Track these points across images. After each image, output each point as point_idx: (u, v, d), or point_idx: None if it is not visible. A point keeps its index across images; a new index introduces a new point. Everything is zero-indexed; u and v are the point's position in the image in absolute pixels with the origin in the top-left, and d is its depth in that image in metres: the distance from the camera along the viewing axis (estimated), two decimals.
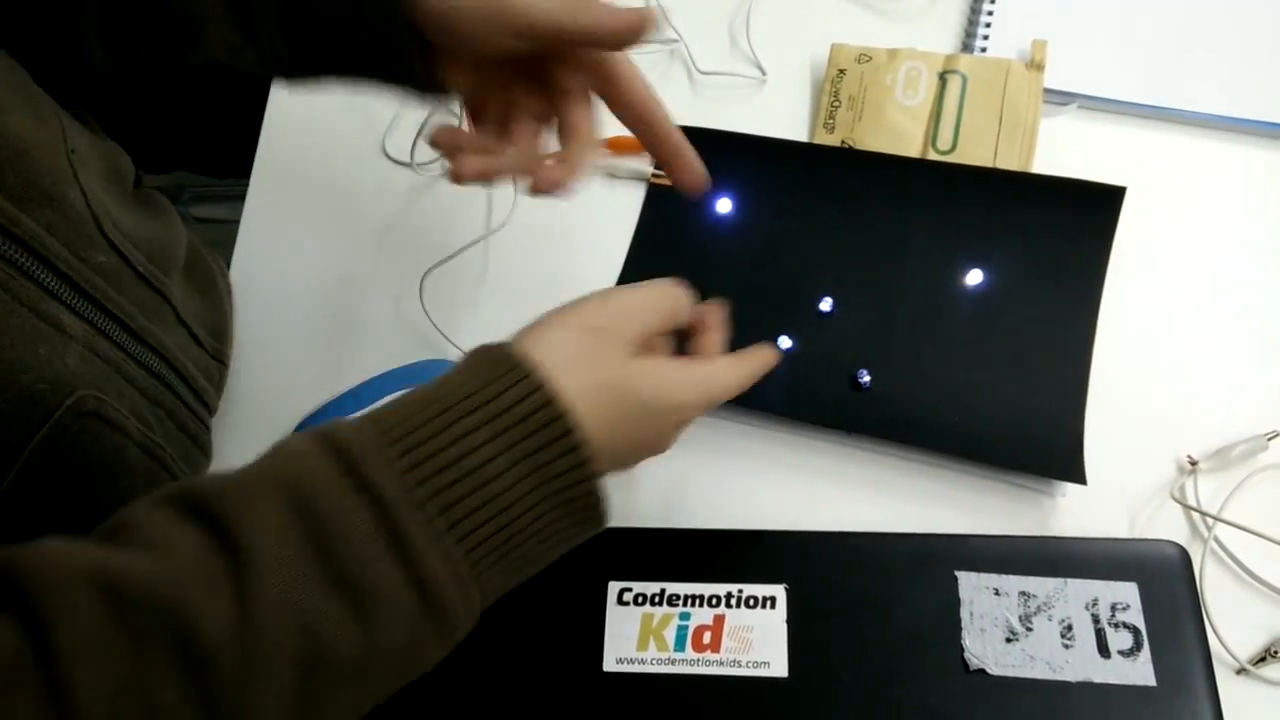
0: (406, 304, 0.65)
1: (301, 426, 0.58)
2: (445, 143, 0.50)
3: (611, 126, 0.69)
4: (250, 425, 0.62)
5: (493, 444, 0.38)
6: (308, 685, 0.35)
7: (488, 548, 0.38)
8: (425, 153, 0.70)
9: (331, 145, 0.72)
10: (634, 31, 0.47)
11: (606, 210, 0.68)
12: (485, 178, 0.50)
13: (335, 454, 0.37)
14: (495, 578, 0.39)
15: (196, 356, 0.58)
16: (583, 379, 0.41)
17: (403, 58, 0.47)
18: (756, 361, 0.50)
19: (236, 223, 0.70)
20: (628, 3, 0.52)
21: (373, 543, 0.36)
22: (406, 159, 0.70)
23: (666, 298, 0.47)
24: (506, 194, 0.68)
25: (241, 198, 0.71)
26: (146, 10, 0.48)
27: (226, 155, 0.84)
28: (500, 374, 0.40)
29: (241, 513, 0.35)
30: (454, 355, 0.62)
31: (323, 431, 0.38)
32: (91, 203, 0.48)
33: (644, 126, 0.52)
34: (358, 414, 0.40)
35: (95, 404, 0.46)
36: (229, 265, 0.68)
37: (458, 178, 0.49)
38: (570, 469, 0.39)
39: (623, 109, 0.52)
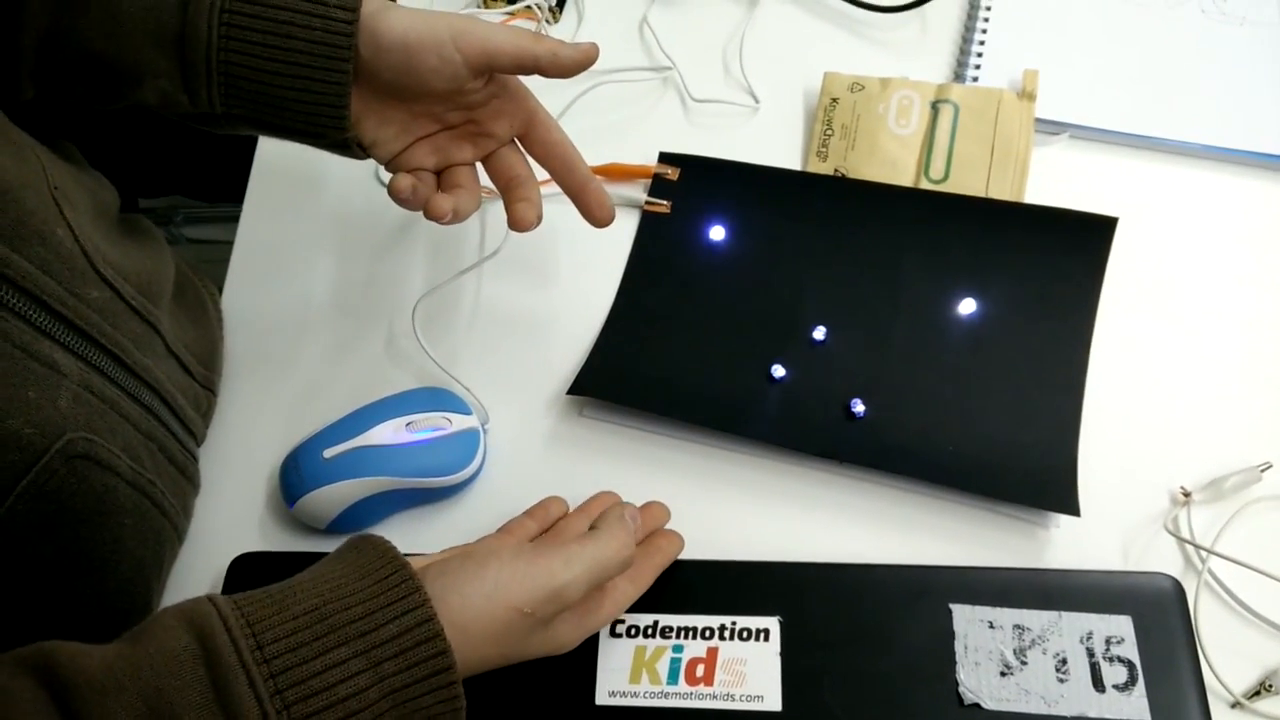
0: (399, 330, 0.65)
1: (291, 456, 0.58)
2: (405, 189, 0.53)
3: (605, 155, 0.69)
4: (240, 452, 0.61)
5: (370, 679, 0.39)
6: None
7: None
8: None
9: (324, 171, 0.72)
10: (586, 58, 0.53)
11: (600, 237, 0.67)
12: (459, 215, 0.54)
13: (206, 662, 0.37)
14: None
15: (185, 386, 0.58)
16: (487, 651, 0.44)
17: (345, 145, 0.52)
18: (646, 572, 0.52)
19: (230, 243, 0.70)
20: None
21: None
22: None
23: (611, 567, 0.47)
24: (500, 221, 0.68)
25: (234, 219, 0.71)
26: (84, 59, 0.49)
27: (220, 179, 0.84)
28: (398, 608, 0.41)
29: (97, 710, 0.36)
30: (446, 382, 0.61)
31: (201, 627, 0.38)
32: (80, 238, 0.48)
33: (562, 166, 0.57)
34: (248, 597, 0.40)
35: (85, 445, 0.45)
36: (221, 288, 0.68)
37: (437, 217, 0.53)
38: (439, 703, 0.41)
39: (542, 150, 0.57)
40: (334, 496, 0.56)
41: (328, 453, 0.56)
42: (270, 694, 0.37)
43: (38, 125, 0.52)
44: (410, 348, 0.63)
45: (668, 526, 0.56)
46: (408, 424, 0.57)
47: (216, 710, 0.37)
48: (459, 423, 0.58)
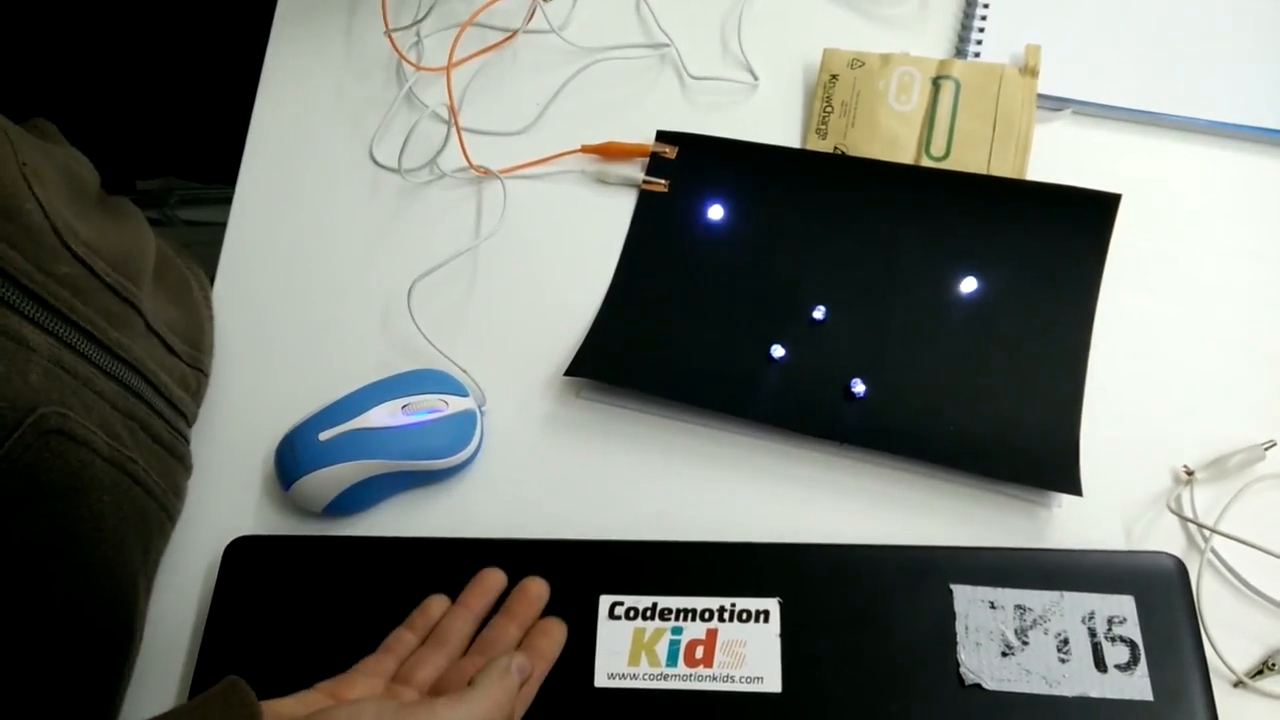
0: (394, 312, 0.64)
1: (287, 438, 0.58)
2: None
3: (602, 133, 0.68)
4: (234, 435, 0.61)
5: None
6: None
7: None
8: (413, 159, 0.69)
9: (318, 151, 0.71)
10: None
11: (597, 217, 0.67)
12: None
13: None
14: None
15: (170, 365, 0.57)
16: None
17: None
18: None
19: (224, 225, 0.69)
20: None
21: None
22: (394, 165, 0.69)
23: None
24: (497, 201, 0.68)
25: (229, 200, 0.70)
26: None
27: (214, 160, 0.83)
28: None
29: None
30: (443, 364, 0.61)
31: None
32: (50, 214, 0.48)
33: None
34: None
35: (59, 421, 0.45)
36: (215, 270, 0.67)
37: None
38: None
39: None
40: (330, 479, 0.55)
41: (323, 435, 0.56)
42: None
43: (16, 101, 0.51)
44: (406, 329, 0.63)
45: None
46: (404, 406, 0.57)
47: None
48: (456, 404, 0.58)
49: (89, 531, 0.49)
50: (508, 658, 0.46)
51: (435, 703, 0.43)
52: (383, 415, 0.56)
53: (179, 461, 0.57)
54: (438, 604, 0.52)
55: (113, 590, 0.52)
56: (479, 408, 0.59)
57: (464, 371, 0.60)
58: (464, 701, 0.44)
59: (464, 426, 0.58)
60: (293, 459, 0.56)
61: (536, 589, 0.52)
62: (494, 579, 0.53)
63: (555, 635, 0.51)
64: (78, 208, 0.52)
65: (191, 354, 0.60)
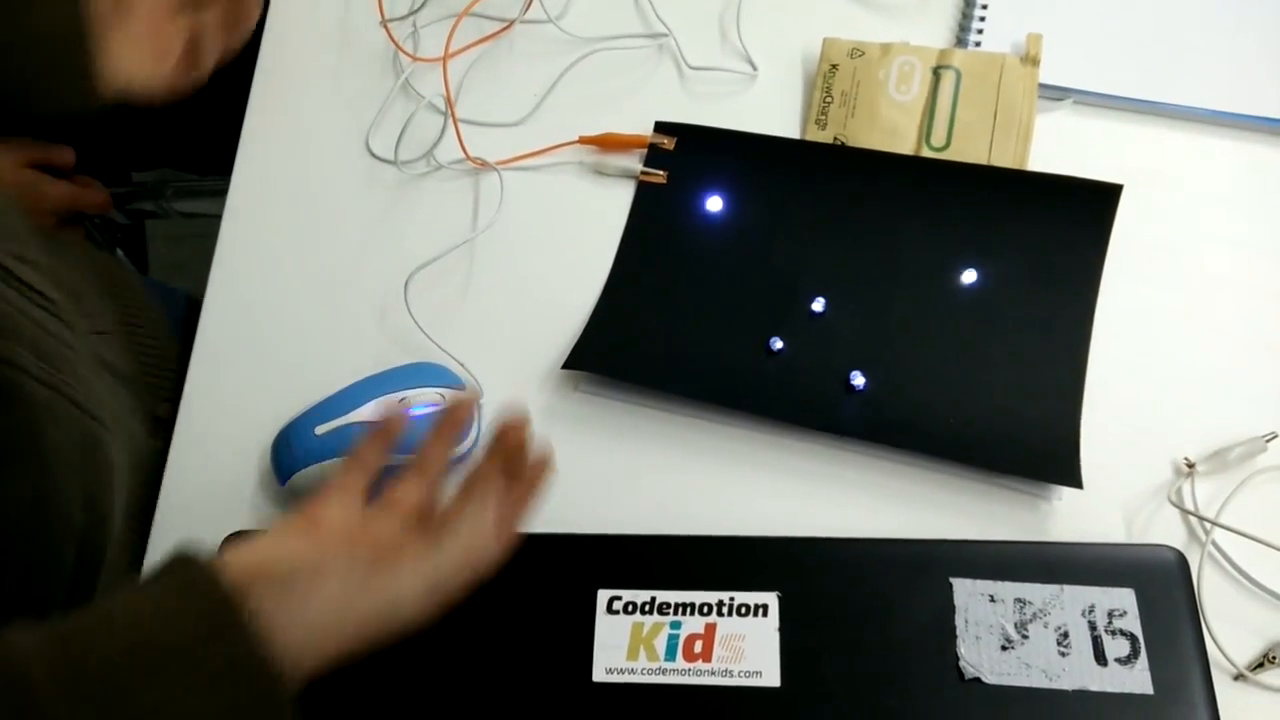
0: (391, 305, 0.64)
1: (283, 433, 0.57)
2: None
3: (600, 124, 0.68)
4: (229, 429, 0.60)
5: (192, 699, 0.37)
6: None
7: None
8: (410, 151, 0.69)
9: (314, 143, 0.71)
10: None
11: (595, 209, 0.67)
12: None
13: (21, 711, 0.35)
14: None
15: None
16: (319, 664, 0.41)
17: None
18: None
19: (219, 217, 0.69)
20: None
21: None
22: (391, 157, 0.69)
23: (462, 576, 0.45)
24: (494, 193, 0.67)
25: (224, 193, 0.70)
26: None
27: (209, 152, 0.83)
28: (217, 623, 0.38)
29: None
30: (439, 358, 0.61)
31: (22, 678, 0.36)
32: None
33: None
34: (70, 630, 0.38)
35: None
36: (210, 264, 0.67)
37: None
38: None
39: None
40: (326, 473, 0.55)
41: (319, 429, 0.56)
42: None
43: None
44: (403, 323, 0.62)
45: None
46: (401, 400, 0.56)
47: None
48: (453, 399, 0.57)
49: (29, 447, 0.48)
50: (481, 508, 0.46)
51: (402, 557, 0.44)
52: (380, 409, 0.56)
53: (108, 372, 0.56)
54: (398, 422, 0.51)
55: (67, 519, 0.50)
56: (476, 401, 0.59)
57: (461, 365, 0.60)
58: (433, 552, 0.44)
59: None
60: (289, 453, 0.56)
61: (515, 435, 0.48)
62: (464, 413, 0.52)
63: (536, 476, 0.48)
64: None
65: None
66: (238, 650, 0.38)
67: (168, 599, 0.39)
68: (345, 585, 0.42)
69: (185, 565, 0.40)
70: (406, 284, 0.62)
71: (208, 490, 0.59)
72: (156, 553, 0.57)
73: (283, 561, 0.42)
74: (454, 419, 0.51)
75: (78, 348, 0.54)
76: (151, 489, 0.59)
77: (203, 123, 0.84)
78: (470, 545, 0.46)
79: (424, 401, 0.57)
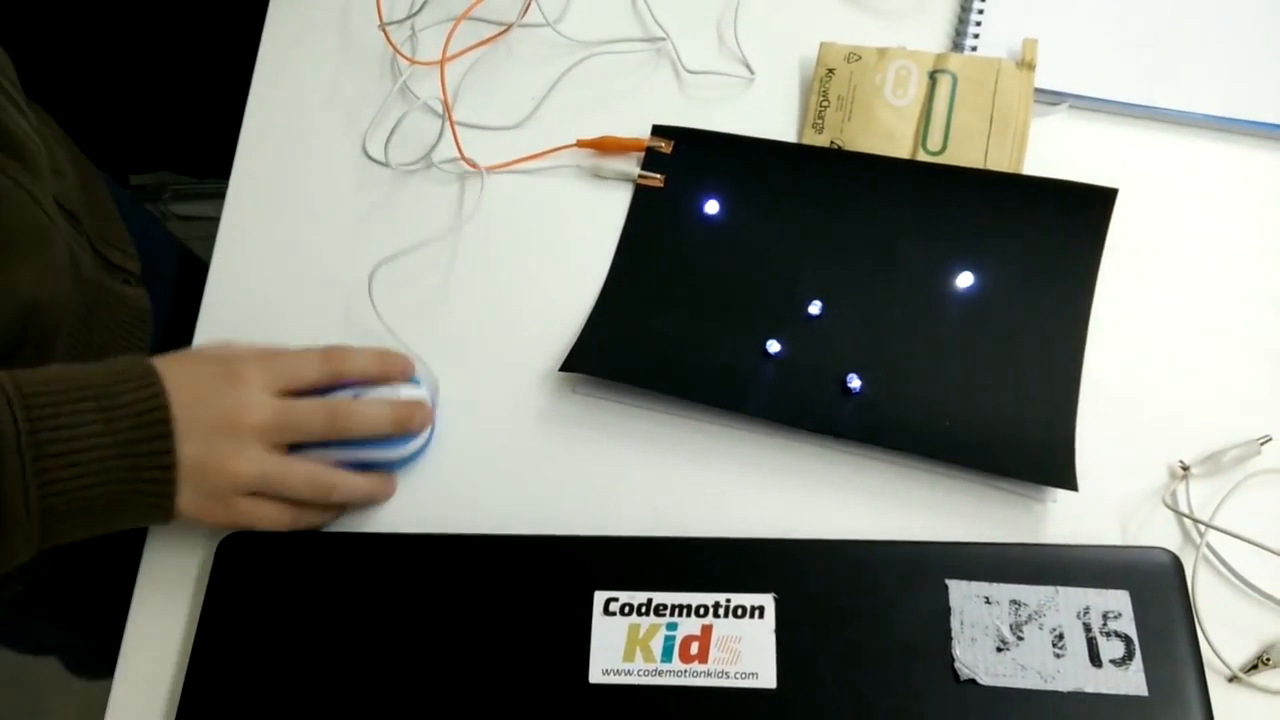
0: (387, 305, 0.64)
1: None
2: None
3: (597, 127, 0.68)
4: None
5: (105, 435, 0.48)
6: None
7: (61, 502, 0.48)
8: (407, 154, 0.69)
9: (312, 146, 0.71)
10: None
11: (592, 212, 0.67)
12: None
13: None
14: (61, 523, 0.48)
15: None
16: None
17: None
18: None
19: (218, 220, 0.69)
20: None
21: None
22: (388, 160, 0.69)
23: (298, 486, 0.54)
24: (490, 196, 0.67)
25: (223, 195, 0.70)
26: None
27: (207, 155, 0.83)
28: (134, 376, 0.50)
29: None
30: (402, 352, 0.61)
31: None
32: None
33: None
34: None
35: None
36: (209, 262, 0.67)
37: None
38: (157, 469, 0.50)
39: None
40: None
41: None
42: (28, 436, 0.46)
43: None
44: (394, 319, 0.62)
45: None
46: (354, 396, 0.56)
47: None
48: (405, 392, 0.57)
49: None
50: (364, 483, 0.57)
51: (246, 450, 0.53)
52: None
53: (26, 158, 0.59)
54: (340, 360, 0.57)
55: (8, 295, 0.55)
56: (431, 397, 0.58)
57: (420, 359, 0.59)
58: (266, 467, 0.53)
59: None
60: None
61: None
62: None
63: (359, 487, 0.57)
64: None
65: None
66: (143, 397, 0.49)
67: (103, 370, 0.50)
68: (203, 448, 0.51)
69: (127, 360, 0.51)
70: (371, 277, 0.62)
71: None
72: (152, 560, 0.57)
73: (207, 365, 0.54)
74: (392, 364, 0.57)
75: (43, 164, 0.58)
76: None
77: (201, 126, 0.84)
78: (350, 489, 0.56)
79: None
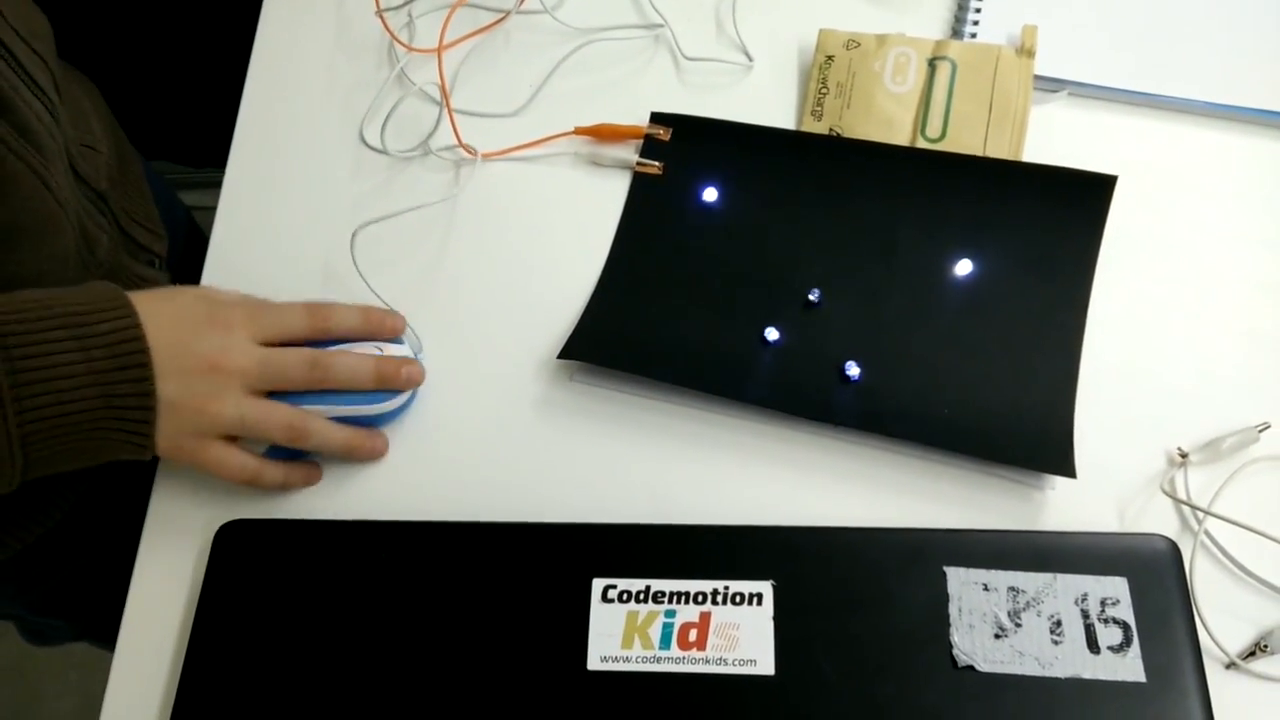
0: (384, 292, 0.63)
1: None
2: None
3: (596, 115, 0.68)
4: None
5: (81, 363, 0.48)
6: None
7: (40, 429, 0.48)
8: (405, 141, 0.69)
9: (309, 133, 0.70)
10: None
11: (591, 200, 0.67)
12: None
13: None
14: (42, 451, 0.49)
15: (30, 55, 0.58)
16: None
17: None
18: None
19: (214, 209, 0.69)
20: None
21: None
22: (385, 147, 0.69)
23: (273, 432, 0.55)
24: (488, 183, 0.67)
25: (219, 185, 0.70)
26: None
27: (204, 144, 0.82)
28: (108, 306, 0.50)
29: None
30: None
31: None
32: None
33: None
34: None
35: None
36: (206, 249, 0.67)
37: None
38: (135, 400, 0.50)
39: None
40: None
41: None
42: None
43: None
44: (357, 282, 0.62)
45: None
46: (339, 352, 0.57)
47: None
48: (390, 351, 0.58)
49: None
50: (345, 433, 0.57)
51: (229, 389, 0.53)
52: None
53: (88, 219, 0.60)
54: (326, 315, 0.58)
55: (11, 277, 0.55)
56: (415, 354, 0.59)
57: (406, 322, 0.60)
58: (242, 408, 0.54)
59: None
60: None
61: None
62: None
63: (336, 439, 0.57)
64: None
65: (78, 135, 0.62)
66: (119, 327, 0.49)
67: (78, 295, 0.50)
68: (182, 390, 0.52)
69: (101, 287, 0.51)
70: (353, 237, 0.62)
71: (194, 479, 0.59)
72: (150, 544, 0.57)
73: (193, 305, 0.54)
74: (377, 321, 0.58)
75: (58, 144, 0.58)
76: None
77: (197, 115, 0.84)
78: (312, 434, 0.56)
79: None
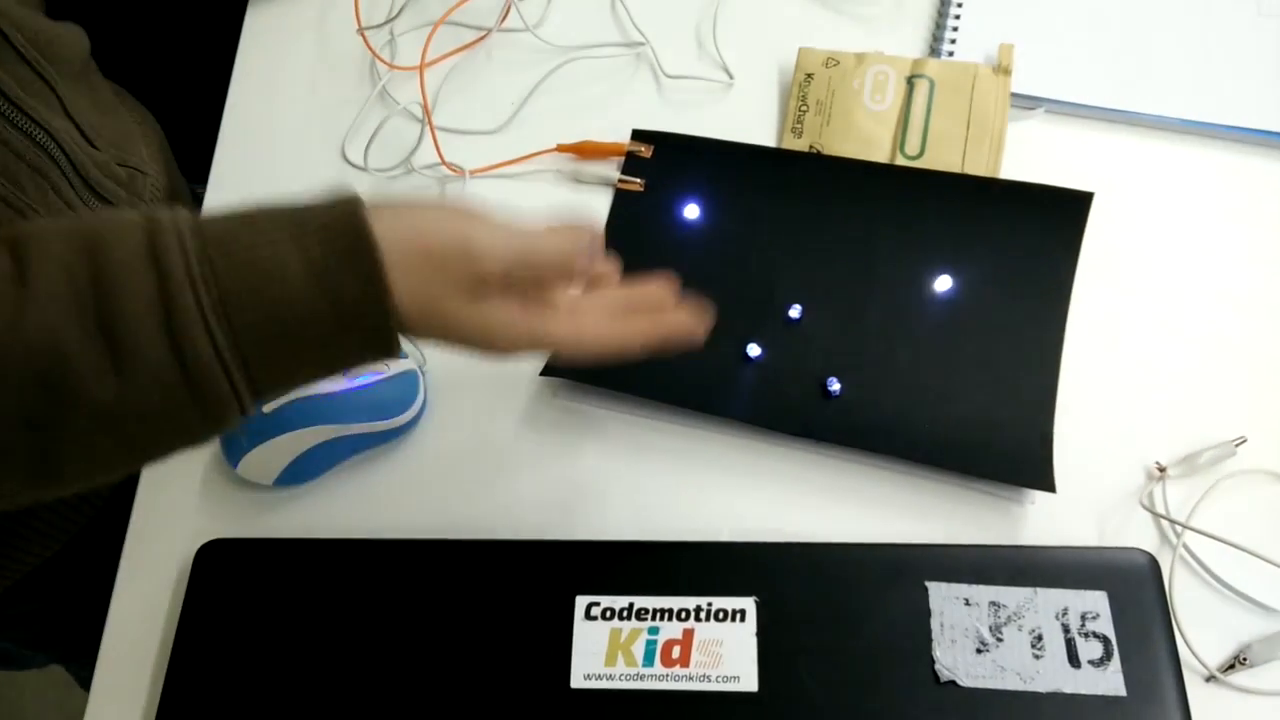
0: None
1: None
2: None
3: (577, 132, 0.68)
4: None
5: (291, 248, 0.38)
6: (50, 412, 0.37)
7: (258, 337, 0.38)
8: (387, 159, 0.69)
9: (290, 150, 0.70)
10: (587, 263, 0.47)
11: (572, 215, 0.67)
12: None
13: (146, 227, 0.38)
14: (267, 371, 0.39)
15: (92, 154, 0.58)
16: (411, 280, 0.40)
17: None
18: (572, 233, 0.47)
19: None
20: None
21: (146, 306, 0.37)
22: (367, 165, 0.69)
23: (541, 258, 0.45)
24: (468, 196, 0.67)
25: (200, 200, 0.70)
26: None
27: (185, 160, 0.82)
28: (326, 202, 0.40)
29: (40, 246, 0.37)
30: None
31: (151, 214, 0.39)
32: None
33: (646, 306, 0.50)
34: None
35: None
36: None
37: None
38: (363, 290, 0.39)
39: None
40: (277, 450, 0.55)
41: (267, 407, 0.55)
42: (198, 255, 0.38)
43: None
44: None
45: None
46: (345, 371, 0.56)
47: (143, 256, 0.37)
48: (396, 366, 0.58)
49: None
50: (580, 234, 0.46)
51: (497, 311, 0.43)
52: (324, 382, 0.56)
53: None
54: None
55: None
56: (420, 368, 0.59)
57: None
58: (530, 234, 0.45)
59: (406, 386, 0.58)
60: (238, 435, 0.56)
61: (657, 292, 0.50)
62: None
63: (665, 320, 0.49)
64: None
65: (118, 154, 0.61)
66: (337, 211, 0.39)
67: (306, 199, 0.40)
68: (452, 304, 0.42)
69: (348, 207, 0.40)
70: None
71: (175, 498, 0.58)
72: (130, 567, 0.57)
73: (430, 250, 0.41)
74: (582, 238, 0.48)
75: (62, 173, 0.56)
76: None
77: (179, 131, 0.83)
78: (558, 244, 0.45)
79: (368, 371, 0.57)
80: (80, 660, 0.80)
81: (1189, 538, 0.55)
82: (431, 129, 0.68)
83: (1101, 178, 0.64)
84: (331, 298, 0.39)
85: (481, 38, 0.73)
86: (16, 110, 0.53)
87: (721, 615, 0.52)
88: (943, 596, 0.51)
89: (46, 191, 0.55)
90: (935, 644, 0.50)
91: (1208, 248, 0.64)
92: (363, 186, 0.69)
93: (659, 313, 0.49)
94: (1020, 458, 0.56)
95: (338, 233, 0.39)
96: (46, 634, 0.75)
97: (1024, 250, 0.62)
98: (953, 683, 0.49)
